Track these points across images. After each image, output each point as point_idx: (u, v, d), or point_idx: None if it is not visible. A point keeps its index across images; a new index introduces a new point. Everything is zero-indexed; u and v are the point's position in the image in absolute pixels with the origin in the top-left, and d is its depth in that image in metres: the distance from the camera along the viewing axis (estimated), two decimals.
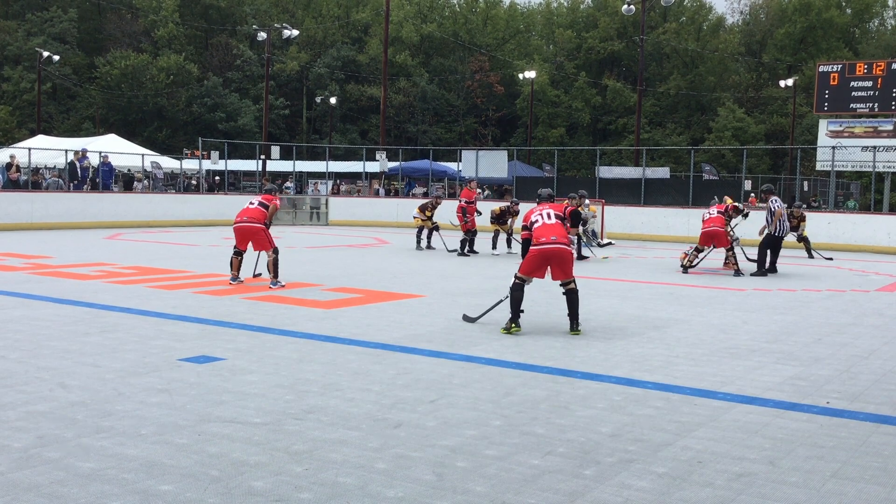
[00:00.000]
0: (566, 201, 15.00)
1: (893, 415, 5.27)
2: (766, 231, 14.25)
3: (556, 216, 8.06)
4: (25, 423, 4.63)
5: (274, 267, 10.95)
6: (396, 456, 4.23)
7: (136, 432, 4.51)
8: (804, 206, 18.90)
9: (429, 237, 18.02)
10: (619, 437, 4.65)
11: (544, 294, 10.77)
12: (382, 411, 5.06)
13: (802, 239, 17.47)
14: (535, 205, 8.45)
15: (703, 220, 14.45)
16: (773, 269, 14.28)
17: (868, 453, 4.47)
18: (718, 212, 14.29)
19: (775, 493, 3.85)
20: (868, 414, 5.26)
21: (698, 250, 14.11)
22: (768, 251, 14.26)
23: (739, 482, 3.99)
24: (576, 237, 16.70)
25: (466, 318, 8.44)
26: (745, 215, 15.68)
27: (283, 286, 10.80)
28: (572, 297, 7.89)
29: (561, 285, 7.97)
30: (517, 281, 7.91)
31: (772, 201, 14.26)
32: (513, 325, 7.77)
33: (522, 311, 7.88)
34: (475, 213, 17.16)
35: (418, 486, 3.84)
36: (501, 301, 8.32)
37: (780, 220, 14.19)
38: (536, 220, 8.03)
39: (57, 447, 4.24)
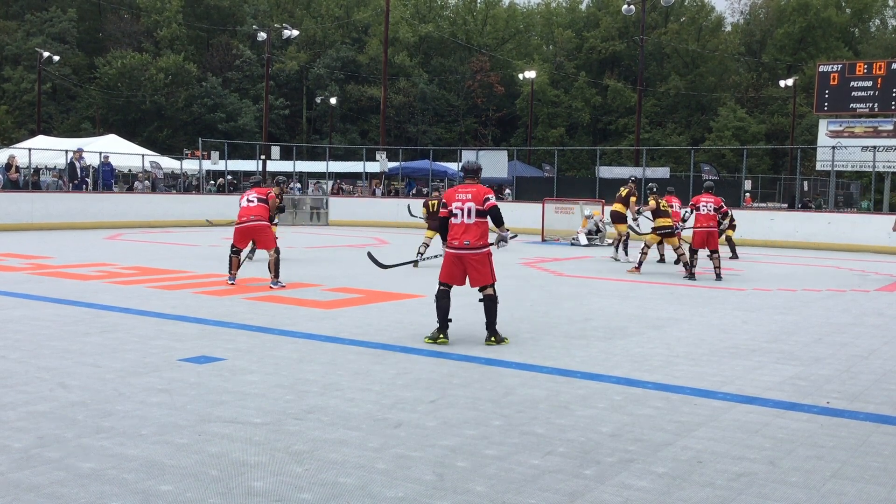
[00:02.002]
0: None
1: (893, 415, 5.27)
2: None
3: (478, 212, 7.22)
4: (26, 424, 4.63)
5: (275, 267, 10.93)
6: (396, 456, 4.23)
7: (137, 432, 4.51)
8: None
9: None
10: (619, 436, 4.65)
11: (544, 294, 10.77)
12: (382, 411, 5.06)
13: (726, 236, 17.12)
14: (460, 183, 7.57)
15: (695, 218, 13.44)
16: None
17: (868, 453, 4.47)
18: (715, 208, 13.42)
19: (775, 493, 3.85)
20: (868, 414, 5.26)
21: (693, 252, 13.29)
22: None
23: (739, 482, 3.99)
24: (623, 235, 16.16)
25: (372, 258, 8.24)
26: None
27: (283, 286, 10.79)
28: (487, 303, 7.23)
29: (479, 290, 7.31)
30: (441, 288, 7.30)
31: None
32: (440, 335, 7.21)
33: (450, 321, 7.30)
34: None
35: (418, 486, 3.84)
36: (413, 263, 8.08)
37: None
38: (456, 215, 7.27)
39: (57, 447, 4.24)
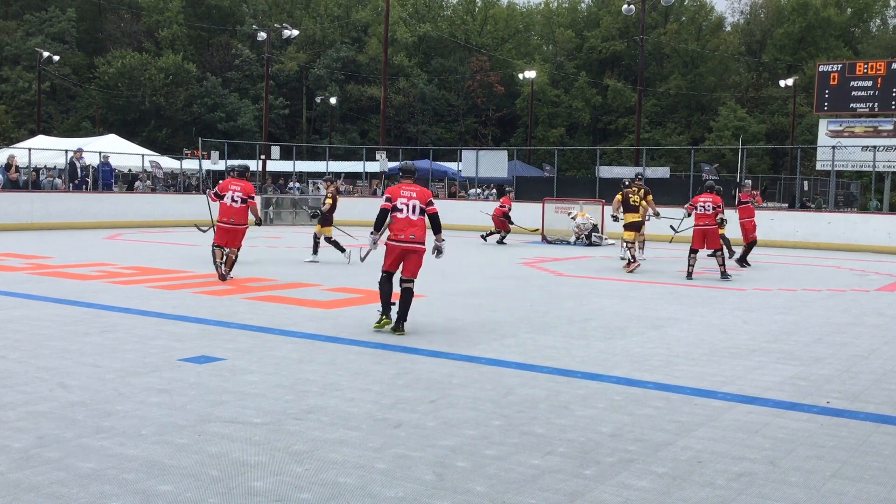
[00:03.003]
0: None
1: (894, 414, 5.27)
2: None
3: (421, 211, 7.72)
4: (25, 424, 4.63)
5: (233, 264, 11.48)
6: (396, 456, 4.23)
7: (137, 432, 4.51)
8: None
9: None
10: (619, 436, 4.65)
11: (544, 294, 10.77)
12: (382, 411, 5.06)
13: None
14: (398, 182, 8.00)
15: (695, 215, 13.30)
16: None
17: (868, 453, 4.47)
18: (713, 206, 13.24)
19: (775, 493, 3.85)
20: (868, 413, 5.26)
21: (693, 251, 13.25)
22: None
23: (739, 482, 3.99)
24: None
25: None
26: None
27: (231, 278, 11.35)
28: (407, 296, 7.73)
29: (402, 282, 7.78)
30: (384, 275, 7.87)
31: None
32: (383, 317, 7.76)
33: (393, 304, 7.76)
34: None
35: (418, 486, 3.84)
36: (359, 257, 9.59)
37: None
38: (401, 209, 7.69)
39: (57, 447, 4.24)
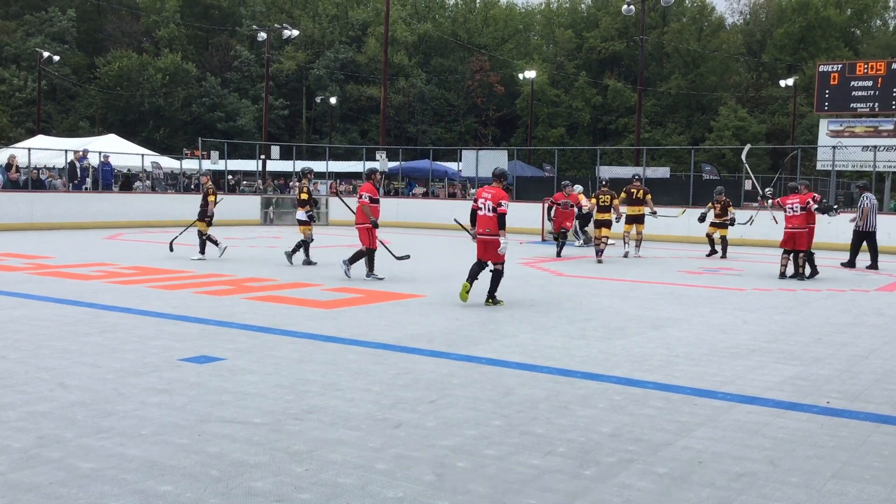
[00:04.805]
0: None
1: (894, 414, 5.27)
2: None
3: (492, 208, 9.37)
4: (25, 424, 4.63)
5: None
6: (396, 456, 4.23)
7: (137, 432, 4.51)
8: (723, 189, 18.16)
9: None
10: (620, 436, 4.65)
11: (545, 294, 10.77)
12: (382, 411, 5.05)
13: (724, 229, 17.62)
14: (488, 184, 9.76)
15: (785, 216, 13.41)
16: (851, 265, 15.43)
17: (868, 453, 4.47)
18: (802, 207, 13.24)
19: (776, 493, 3.84)
20: (868, 413, 5.26)
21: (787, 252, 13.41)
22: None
23: (740, 482, 3.98)
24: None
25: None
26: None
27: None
28: (494, 276, 9.57)
29: (493, 265, 9.58)
30: (476, 261, 9.71)
31: (864, 197, 15.40)
32: (465, 283, 9.52)
33: (476, 279, 9.57)
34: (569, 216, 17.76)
35: (418, 486, 3.84)
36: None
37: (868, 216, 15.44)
38: (481, 208, 9.49)
39: (57, 447, 4.24)
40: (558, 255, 16.89)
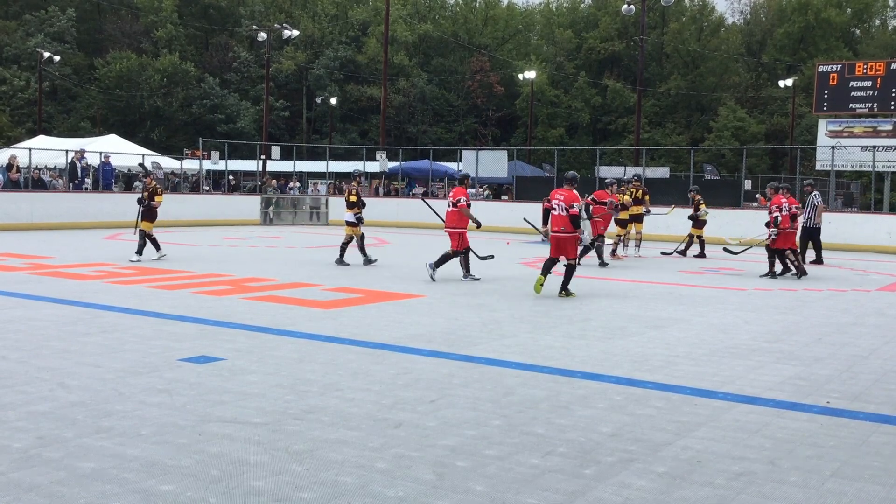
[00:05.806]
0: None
1: (894, 414, 5.27)
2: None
3: (565, 209, 10.29)
4: (25, 423, 4.63)
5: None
6: (396, 456, 4.23)
7: (137, 432, 4.51)
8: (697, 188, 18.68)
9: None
10: (620, 436, 4.65)
11: (544, 294, 10.77)
12: (382, 411, 5.06)
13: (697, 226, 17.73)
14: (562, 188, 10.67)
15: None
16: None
17: (868, 453, 4.47)
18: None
19: (775, 493, 3.85)
20: (868, 413, 5.26)
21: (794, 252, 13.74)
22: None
23: (739, 481, 3.99)
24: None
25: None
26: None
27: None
28: (567, 270, 10.53)
29: (566, 260, 10.54)
30: (550, 257, 10.67)
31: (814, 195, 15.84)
32: (539, 276, 10.44)
33: (551, 272, 10.56)
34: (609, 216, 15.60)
35: (418, 485, 3.84)
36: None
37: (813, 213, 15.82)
38: (555, 209, 10.41)
39: (57, 447, 4.24)
40: (602, 263, 14.81)
